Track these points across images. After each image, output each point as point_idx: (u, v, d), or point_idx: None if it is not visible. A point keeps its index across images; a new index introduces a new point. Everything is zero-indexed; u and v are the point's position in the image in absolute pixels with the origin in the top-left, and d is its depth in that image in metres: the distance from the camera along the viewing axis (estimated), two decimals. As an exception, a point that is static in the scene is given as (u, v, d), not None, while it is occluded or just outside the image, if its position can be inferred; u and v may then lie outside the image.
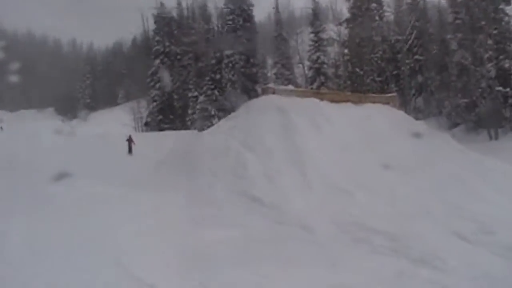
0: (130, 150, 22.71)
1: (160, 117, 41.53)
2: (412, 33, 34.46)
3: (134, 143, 22.96)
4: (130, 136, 23.66)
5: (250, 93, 31.51)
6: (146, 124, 43.81)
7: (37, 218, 9.85)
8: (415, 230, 9.49)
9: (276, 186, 12.59)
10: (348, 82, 33.10)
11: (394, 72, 34.78)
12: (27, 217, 9.94)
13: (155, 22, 44.98)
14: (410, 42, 34.48)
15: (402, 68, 34.31)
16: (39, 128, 33.26)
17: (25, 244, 8.71)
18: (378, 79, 33.35)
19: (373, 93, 26.53)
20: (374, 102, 19.80)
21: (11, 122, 55.45)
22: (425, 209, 10.89)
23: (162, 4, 43.73)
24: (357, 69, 32.99)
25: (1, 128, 39.79)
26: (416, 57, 34.46)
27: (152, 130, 40.41)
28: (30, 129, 33.11)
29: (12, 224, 9.64)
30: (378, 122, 17.05)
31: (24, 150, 21.18)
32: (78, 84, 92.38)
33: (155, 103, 42.21)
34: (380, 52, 34.24)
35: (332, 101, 18.67)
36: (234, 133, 16.62)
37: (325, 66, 34.40)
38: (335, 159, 13.65)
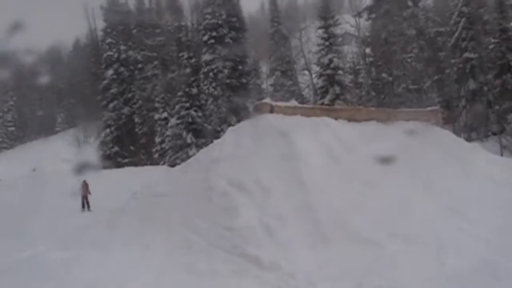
0: (84, 205, 22.90)
1: (116, 148, 41.81)
2: (459, 23, 34.77)
3: (89, 193, 23.18)
4: (85, 183, 23.86)
5: (239, 112, 31.88)
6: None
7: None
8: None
9: (277, 239, 12.62)
10: (373, 94, 33.58)
11: (436, 77, 35.17)
12: None
13: (105, 19, 45.49)
14: (456, 34, 34.79)
15: (447, 71, 34.58)
16: None
17: None
18: (413, 87, 33.84)
19: (407, 107, 26.83)
20: (408, 120, 19.91)
21: None
22: (491, 268, 10.98)
23: (114, -7, 44.18)
24: (384, 75, 33.50)
25: None
26: (466, 55, 34.62)
27: (107, 166, 40.56)
28: None
29: None
30: (415, 147, 17.23)
31: None
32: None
33: (108, 130, 42.56)
34: (415, 51, 34.80)
35: (351, 120, 18.80)
36: (218, 168, 16.63)
37: (340, 72, 34.97)
38: (358, 200, 13.78)
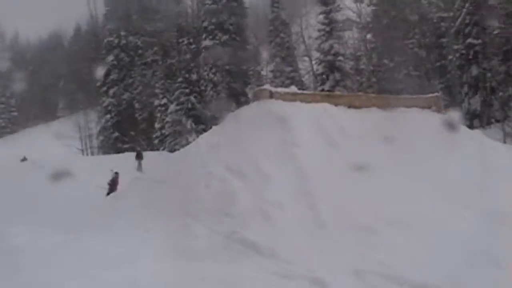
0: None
1: (116, 134, 41.79)
2: (463, 7, 34.47)
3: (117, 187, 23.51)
4: (116, 176, 24.18)
5: (239, 99, 31.83)
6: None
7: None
8: (471, 283, 9.65)
9: (275, 225, 12.65)
10: (373, 80, 33.48)
11: (438, 64, 35.03)
12: None
13: (106, 5, 45.50)
14: (460, 20, 34.48)
15: (450, 57, 34.41)
16: None
17: None
18: (415, 73, 33.73)
19: (408, 93, 26.78)
20: (409, 106, 19.93)
21: None
22: (486, 255, 10.99)
23: (114, -21, 44.25)
24: (385, 61, 33.39)
25: None
26: (470, 40, 34.25)
27: (107, 152, 40.61)
28: None
29: None
30: (414, 134, 17.22)
31: None
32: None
33: (108, 116, 42.56)
34: (417, 37, 34.64)
35: (351, 106, 18.82)
36: (217, 154, 16.69)
37: (340, 58, 34.86)
38: (356, 187, 13.78)
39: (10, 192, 24.95)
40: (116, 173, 24.24)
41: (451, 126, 17.26)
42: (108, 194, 22.83)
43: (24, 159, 38.24)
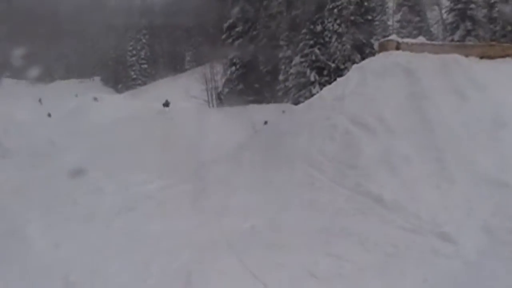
0: None
1: (241, 86, 42.41)
2: None
3: None
4: None
5: (364, 50, 31.26)
6: (219, 96, 44.69)
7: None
8: None
9: (401, 178, 12.49)
10: (509, 28, 31.56)
11: None
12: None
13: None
14: None
15: None
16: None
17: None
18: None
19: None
20: (547, 56, 18.79)
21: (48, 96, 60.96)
22: None
23: None
24: (525, 7, 31.36)
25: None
26: None
27: (232, 104, 41.43)
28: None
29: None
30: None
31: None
32: (130, 44, 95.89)
33: (234, 68, 43.21)
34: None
35: (483, 57, 18.01)
36: (341, 106, 16.62)
37: (472, 6, 33.16)
38: (487, 141, 13.23)
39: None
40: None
41: None
42: None
43: (166, 104, 39.66)
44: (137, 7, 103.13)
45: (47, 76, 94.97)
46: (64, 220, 13.70)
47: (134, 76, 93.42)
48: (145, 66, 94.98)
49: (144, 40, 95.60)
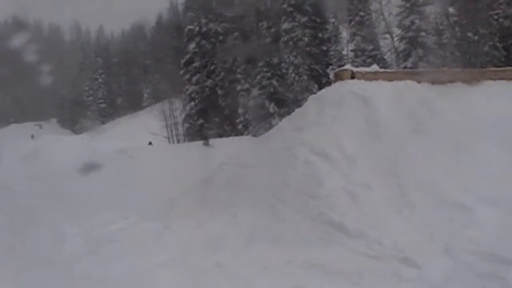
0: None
1: (201, 120, 42.49)
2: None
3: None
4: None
5: (321, 80, 31.66)
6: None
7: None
8: None
9: (362, 205, 12.60)
10: (457, 54, 32.47)
11: (525, 34, 33.69)
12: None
13: (185, -7, 46.12)
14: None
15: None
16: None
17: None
18: (500, 45, 32.51)
19: (495, 66, 25.92)
20: (495, 79, 19.26)
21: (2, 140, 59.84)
22: None
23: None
24: (469, 34, 32.35)
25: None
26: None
27: (192, 139, 41.37)
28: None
29: None
30: (503, 108, 16.61)
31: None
32: (87, 84, 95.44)
33: (193, 103, 43.29)
34: (502, 6, 33.36)
35: (434, 82, 18.38)
36: (301, 137, 16.69)
37: (422, 34, 34.04)
38: (446, 165, 13.47)
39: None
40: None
41: None
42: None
43: (150, 143, 39.44)
44: (92, 47, 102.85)
45: (3, 120, 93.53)
46: (25, 267, 13.38)
47: (92, 116, 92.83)
48: (103, 105, 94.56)
49: (100, 80, 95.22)
